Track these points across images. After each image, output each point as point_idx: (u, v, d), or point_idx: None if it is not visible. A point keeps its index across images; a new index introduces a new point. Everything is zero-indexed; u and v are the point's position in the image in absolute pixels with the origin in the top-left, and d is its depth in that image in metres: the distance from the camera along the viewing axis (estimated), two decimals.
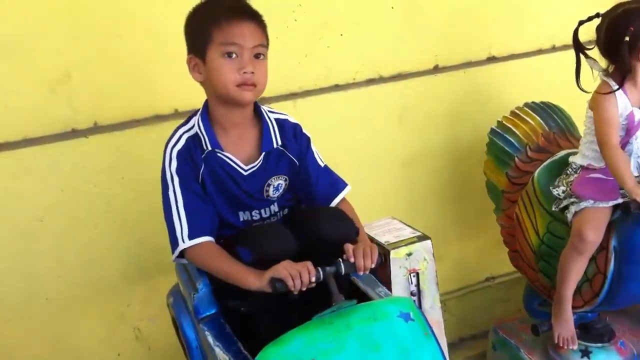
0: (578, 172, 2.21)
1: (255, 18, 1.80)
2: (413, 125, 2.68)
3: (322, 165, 1.98)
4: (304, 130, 1.96)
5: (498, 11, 2.76)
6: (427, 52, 2.67)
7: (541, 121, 2.49)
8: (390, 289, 2.12)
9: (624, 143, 2.13)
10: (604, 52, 2.15)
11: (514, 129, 2.49)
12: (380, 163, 2.65)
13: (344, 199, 1.98)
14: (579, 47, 2.19)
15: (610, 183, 2.10)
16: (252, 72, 1.75)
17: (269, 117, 1.90)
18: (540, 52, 2.86)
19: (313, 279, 1.63)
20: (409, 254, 2.16)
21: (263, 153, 1.85)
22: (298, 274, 1.61)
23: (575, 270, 2.16)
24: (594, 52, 2.20)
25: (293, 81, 2.45)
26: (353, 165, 2.59)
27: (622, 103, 2.08)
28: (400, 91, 2.63)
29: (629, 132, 2.10)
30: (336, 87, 2.52)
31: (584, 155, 2.21)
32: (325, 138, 2.50)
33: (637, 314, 2.55)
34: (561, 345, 2.27)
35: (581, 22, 2.18)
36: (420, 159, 2.73)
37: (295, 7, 2.38)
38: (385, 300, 1.74)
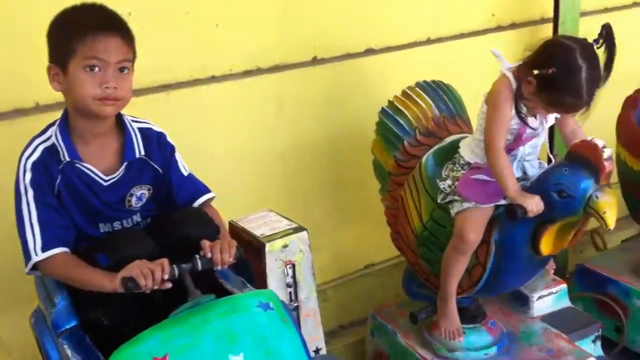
0: (465, 168, 2.19)
1: (121, 32, 1.76)
2: (292, 117, 2.69)
3: (186, 174, 1.98)
4: (168, 139, 1.96)
5: (376, 4, 2.79)
6: (305, 43, 2.67)
7: (432, 103, 2.45)
8: (265, 282, 2.13)
9: (511, 149, 2.11)
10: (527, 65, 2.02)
11: (404, 111, 2.45)
12: (259, 155, 2.64)
13: (208, 204, 1.99)
14: None
15: (493, 185, 2.11)
16: (115, 87, 1.72)
17: (131, 127, 1.88)
18: (416, 44, 2.92)
19: (166, 276, 1.63)
20: (285, 246, 2.16)
21: (125, 163, 1.83)
22: (150, 272, 1.61)
23: (457, 269, 2.21)
24: None
25: (166, 72, 2.39)
26: (230, 158, 2.58)
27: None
28: (278, 83, 2.62)
29: (517, 139, 2.08)
30: (212, 79, 2.48)
31: (472, 152, 2.18)
32: (201, 131, 2.49)
33: (506, 294, 2.66)
34: (447, 338, 2.34)
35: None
36: (299, 150, 2.74)
37: None
38: (245, 294, 1.77)
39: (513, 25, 3.18)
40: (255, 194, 2.63)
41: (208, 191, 1.99)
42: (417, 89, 2.50)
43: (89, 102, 1.71)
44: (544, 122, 2.11)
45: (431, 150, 2.38)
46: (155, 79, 2.38)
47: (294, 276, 2.18)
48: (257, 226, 2.23)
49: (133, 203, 1.87)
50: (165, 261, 1.64)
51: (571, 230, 2.10)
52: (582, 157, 1.98)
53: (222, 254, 1.69)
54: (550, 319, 2.57)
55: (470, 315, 2.41)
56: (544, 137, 2.15)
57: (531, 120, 2.05)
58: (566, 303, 2.66)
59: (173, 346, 1.52)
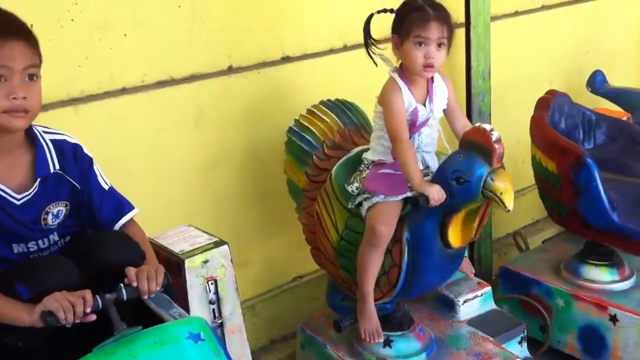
0: (370, 167, 2.26)
1: (24, 35, 1.65)
2: (211, 128, 2.61)
3: (107, 187, 1.87)
4: (85, 151, 1.85)
5: (289, 11, 2.76)
6: (219, 52, 2.61)
7: (336, 118, 2.53)
8: (186, 300, 2.04)
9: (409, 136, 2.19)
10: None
11: (310, 127, 2.51)
12: (178, 169, 2.55)
13: (132, 222, 1.89)
14: (367, 37, 2.26)
15: (399, 177, 2.17)
16: (24, 97, 1.61)
17: (44, 139, 1.76)
18: (332, 51, 2.90)
19: (88, 310, 1.53)
20: (206, 262, 2.08)
21: (38, 179, 1.71)
22: (71, 307, 1.51)
23: (372, 265, 2.21)
24: None
25: (73, 86, 2.27)
26: (147, 174, 2.48)
27: (407, 99, 2.16)
28: (194, 93, 2.54)
29: (411, 128, 2.17)
30: (123, 91, 2.38)
31: (374, 151, 2.27)
32: (115, 146, 2.38)
33: (432, 300, 2.67)
34: (367, 339, 2.31)
35: (372, 15, 2.25)
36: (221, 162, 2.66)
37: (70, 6, 2.21)
38: (174, 323, 1.67)
39: None
40: (178, 209, 2.54)
41: (131, 207, 1.90)
42: (321, 106, 2.57)
43: None
44: (432, 108, 2.19)
45: (340, 161, 2.41)
46: (62, 94, 2.26)
47: (216, 292, 2.11)
48: (176, 242, 2.15)
49: (49, 221, 1.75)
50: (87, 293, 1.55)
51: (475, 217, 2.14)
52: (474, 143, 2.04)
53: (148, 282, 1.61)
54: (477, 322, 2.59)
55: (398, 323, 2.40)
56: (437, 129, 2.23)
57: (420, 107, 2.17)
58: (491, 306, 2.69)
59: None
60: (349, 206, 2.28)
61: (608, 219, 2.65)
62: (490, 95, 3.26)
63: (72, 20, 2.23)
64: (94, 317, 1.56)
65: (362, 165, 2.29)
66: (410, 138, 2.17)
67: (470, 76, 3.19)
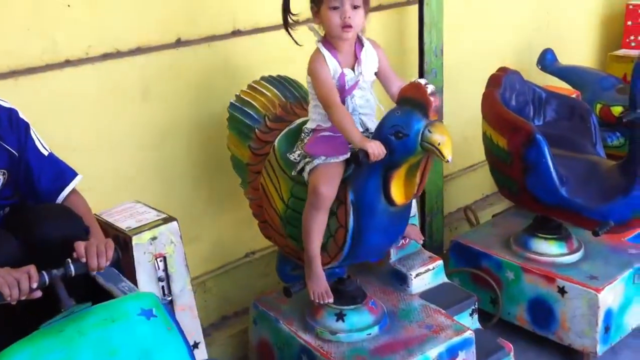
0: (310, 134, 2.27)
1: None
2: (158, 103, 2.55)
3: (47, 153, 1.81)
4: (21, 116, 1.78)
5: None
6: (168, 25, 2.54)
7: (278, 92, 2.52)
8: (135, 277, 1.99)
9: (341, 100, 2.20)
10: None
11: (252, 102, 2.49)
12: (124, 144, 2.49)
13: (74, 192, 1.83)
14: (286, 14, 2.27)
15: (339, 139, 2.18)
16: None
17: None
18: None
19: (34, 286, 1.48)
20: (154, 238, 2.04)
21: None
22: (15, 282, 1.45)
23: (316, 226, 2.21)
24: None
25: (13, 57, 2.19)
26: (93, 149, 2.42)
27: (332, 66, 2.17)
28: (141, 66, 2.48)
29: (342, 92, 2.19)
30: (66, 63, 2.30)
31: (312, 120, 2.28)
32: (59, 120, 2.31)
33: (385, 273, 2.68)
34: (317, 300, 2.29)
35: None
36: (169, 137, 2.61)
37: None
38: (124, 298, 1.63)
39: (379, 7, 3.19)
40: (125, 185, 2.48)
41: (74, 174, 1.84)
42: (262, 81, 2.56)
43: None
44: (360, 70, 2.20)
45: (282, 132, 2.40)
46: (2, 66, 2.18)
47: (165, 269, 2.07)
48: (123, 218, 2.10)
49: None
50: (32, 268, 1.49)
51: (416, 172, 2.15)
52: (410, 98, 2.05)
53: (98, 257, 1.56)
54: (429, 295, 2.61)
55: (351, 296, 2.41)
56: (371, 92, 2.25)
57: (348, 71, 2.19)
58: (443, 279, 2.72)
59: None
60: (293, 174, 2.28)
61: (557, 194, 2.69)
62: (443, 72, 3.26)
63: None
64: (39, 293, 1.52)
65: (303, 134, 2.30)
66: (343, 102, 2.18)
67: (423, 53, 3.19)
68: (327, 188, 2.16)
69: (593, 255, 2.87)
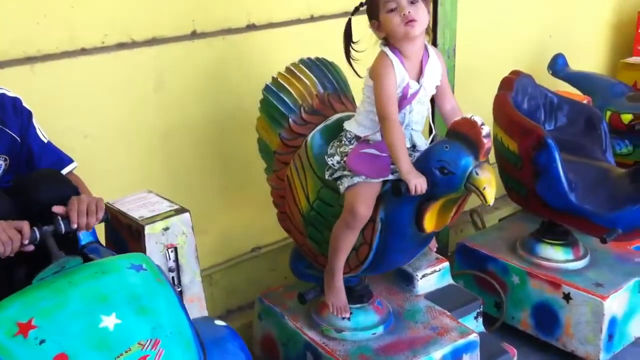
0: (353, 142, 2.17)
1: None
2: (171, 94, 2.55)
3: (46, 141, 1.88)
4: (24, 104, 1.84)
5: None
6: (183, 16, 2.54)
7: (316, 80, 2.42)
8: None
9: (399, 108, 2.10)
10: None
11: (288, 88, 2.39)
12: (137, 134, 2.49)
13: (71, 174, 1.91)
14: (348, 41, 2.18)
15: (383, 160, 2.10)
16: None
17: None
18: (299, 21, 2.86)
19: (26, 241, 1.57)
20: (166, 229, 2.04)
21: None
22: (8, 238, 1.54)
23: (346, 244, 2.19)
24: None
25: (30, 44, 2.19)
26: (107, 137, 2.43)
27: (400, 74, 2.06)
28: (155, 57, 2.48)
29: (402, 101, 2.09)
30: (82, 51, 2.30)
31: (360, 124, 2.16)
32: (72, 107, 2.31)
33: (391, 273, 2.68)
34: (335, 314, 2.31)
35: (350, 19, 2.17)
36: (182, 129, 2.61)
37: None
38: (115, 257, 1.70)
39: None
40: (136, 174, 2.48)
41: (70, 160, 1.92)
42: (301, 65, 2.45)
43: None
44: (423, 82, 2.11)
45: (317, 128, 2.33)
46: (18, 52, 2.18)
47: (176, 260, 2.07)
48: (136, 208, 2.10)
49: None
50: (25, 225, 1.57)
51: (453, 206, 2.12)
52: (462, 134, 1.99)
53: (88, 216, 1.65)
54: (434, 296, 2.61)
55: (358, 295, 2.40)
56: (427, 107, 2.18)
57: (412, 83, 2.08)
58: (449, 281, 2.72)
59: (38, 309, 1.44)
60: (326, 177, 2.21)
61: (566, 200, 2.68)
62: (455, 73, 3.26)
63: None
64: (32, 247, 1.61)
65: (345, 139, 2.19)
66: (400, 112, 2.09)
67: None
68: (365, 208, 2.11)
69: (599, 262, 2.87)
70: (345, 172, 2.15)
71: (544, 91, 3.09)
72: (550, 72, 3.80)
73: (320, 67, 2.46)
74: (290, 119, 2.37)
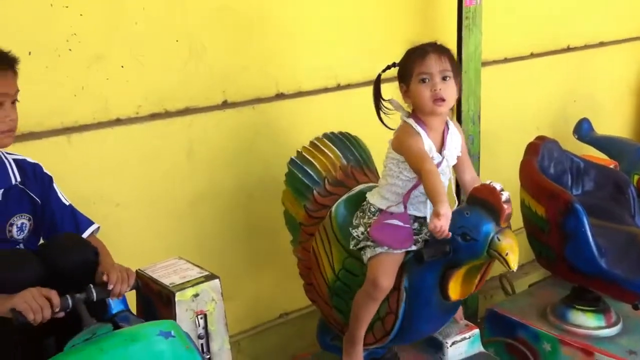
0: (376, 215, 2.19)
1: (13, 67, 1.79)
2: (202, 162, 2.61)
3: (67, 204, 1.96)
4: (44, 170, 1.95)
5: (284, 50, 2.79)
6: (214, 87, 2.62)
7: (339, 153, 2.48)
8: None
9: (418, 184, 2.11)
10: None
11: (312, 161, 2.46)
12: (167, 201, 2.54)
13: (92, 237, 1.97)
14: (378, 98, 2.21)
15: (405, 231, 2.12)
16: (12, 119, 1.78)
17: (5, 157, 1.88)
18: (326, 90, 2.93)
19: (57, 310, 1.62)
20: (196, 295, 2.05)
21: (1, 190, 1.81)
22: (39, 308, 1.59)
23: (368, 315, 2.18)
24: None
25: (67, 115, 2.28)
26: (138, 205, 2.47)
27: (428, 145, 2.09)
28: (187, 126, 2.55)
29: None
30: (117, 122, 2.38)
31: (383, 197, 2.18)
32: (106, 176, 2.38)
33: (420, 341, 2.63)
34: None
35: (380, 75, 2.21)
36: (210, 196, 2.66)
37: (69, 35, 2.22)
38: (144, 324, 1.73)
39: None
40: (166, 242, 2.53)
41: (91, 222, 2.00)
42: (324, 139, 2.53)
43: None
44: (445, 154, 2.14)
45: (341, 199, 2.38)
46: (56, 122, 2.26)
47: (205, 327, 2.07)
48: (166, 274, 2.12)
49: (14, 234, 1.84)
50: (54, 294, 1.63)
51: (477, 273, 2.12)
52: (482, 200, 2.01)
53: (120, 283, 1.73)
54: None
55: None
56: (449, 177, 2.20)
57: (436, 155, 2.11)
58: (479, 348, 2.66)
59: None
60: (351, 247, 2.23)
61: (596, 265, 2.65)
62: (480, 139, 3.29)
63: (69, 50, 2.24)
64: (62, 314, 1.66)
65: (368, 211, 2.21)
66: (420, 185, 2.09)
67: (461, 120, 3.23)
68: (387, 280, 2.12)
69: (632, 329, 2.80)
70: (369, 243, 2.17)
71: (570, 156, 3.10)
72: (576, 136, 3.81)
73: (343, 140, 2.54)
74: (314, 191, 2.43)
